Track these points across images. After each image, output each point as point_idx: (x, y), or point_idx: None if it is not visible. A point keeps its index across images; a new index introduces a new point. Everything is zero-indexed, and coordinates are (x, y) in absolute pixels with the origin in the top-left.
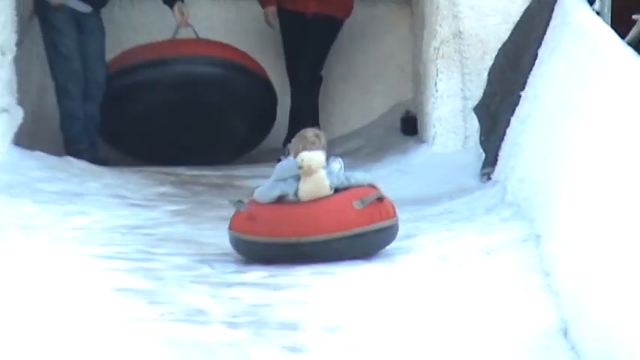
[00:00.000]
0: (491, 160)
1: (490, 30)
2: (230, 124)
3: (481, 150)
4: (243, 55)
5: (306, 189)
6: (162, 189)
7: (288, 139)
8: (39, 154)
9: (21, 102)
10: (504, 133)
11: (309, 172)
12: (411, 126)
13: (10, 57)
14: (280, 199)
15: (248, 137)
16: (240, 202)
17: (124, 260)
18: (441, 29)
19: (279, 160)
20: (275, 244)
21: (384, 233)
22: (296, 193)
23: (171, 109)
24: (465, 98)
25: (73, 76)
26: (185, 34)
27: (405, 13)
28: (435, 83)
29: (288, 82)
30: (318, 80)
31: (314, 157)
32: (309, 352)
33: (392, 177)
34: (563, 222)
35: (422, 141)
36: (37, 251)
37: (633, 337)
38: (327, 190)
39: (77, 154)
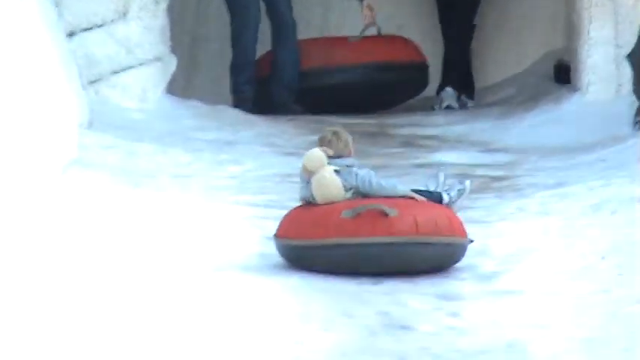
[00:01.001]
0: None
1: None
2: (390, 102)
3: (634, 98)
4: (417, 52)
5: (315, 191)
6: (316, 137)
7: (441, 88)
8: (192, 102)
9: (174, 51)
10: None
11: (307, 172)
12: (564, 74)
13: (163, 5)
14: (307, 202)
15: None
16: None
17: (277, 209)
18: None
19: (433, 109)
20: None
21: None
22: (313, 196)
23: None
24: (617, 46)
25: (247, 23)
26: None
27: None
28: (588, 31)
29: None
30: (471, 28)
31: (309, 155)
32: (463, 299)
33: (545, 125)
34: None
35: (575, 89)
36: (190, 200)
37: None
38: (336, 191)
39: (241, 102)
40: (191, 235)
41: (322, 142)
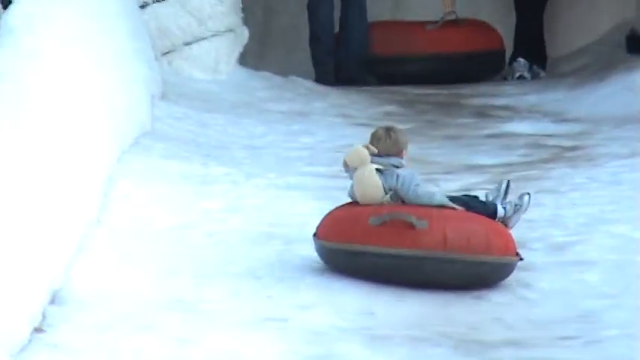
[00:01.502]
0: None
1: None
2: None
3: None
4: (496, 39)
5: (355, 189)
6: (388, 108)
7: (513, 58)
8: (265, 74)
9: (247, 22)
10: None
11: (347, 169)
12: (636, 44)
13: None
14: (352, 200)
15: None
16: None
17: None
18: None
19: (505, 79)
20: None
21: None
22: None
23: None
24: None
25: None
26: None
27: None
28: None
29: None
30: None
31: (350, 152)
32: (535, 270)
33: (617, 95)
34: None
35: None
36: (262, 171)
37: None
38: (374, 190)
39: (322, 74)
40: (264, 207)
41: (372, 138)
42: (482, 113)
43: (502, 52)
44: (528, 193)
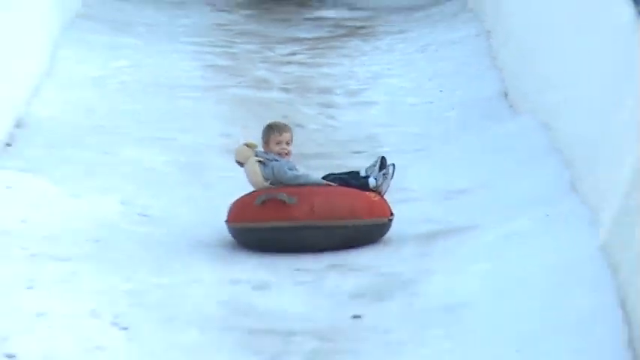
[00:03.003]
0: None
1: None
2: None
3: None
4: None
5: (247, 178)
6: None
7: None
8: None
9: None
10: None
11: (239, 164)
12: None
13: None
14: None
15: None
16: None
17: (214, 46)
18: None
19: None
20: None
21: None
22: None
23: None
24: None
25: None
26: None
27: None
28: None
29: None
30: None
31: (237, 151)
32: (338, 108)
33: None
34: (507, 19)
35: None
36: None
37: None
38: (256, 178)
39: None
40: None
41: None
42: (302, 3)
43: None
44: (393, 164)
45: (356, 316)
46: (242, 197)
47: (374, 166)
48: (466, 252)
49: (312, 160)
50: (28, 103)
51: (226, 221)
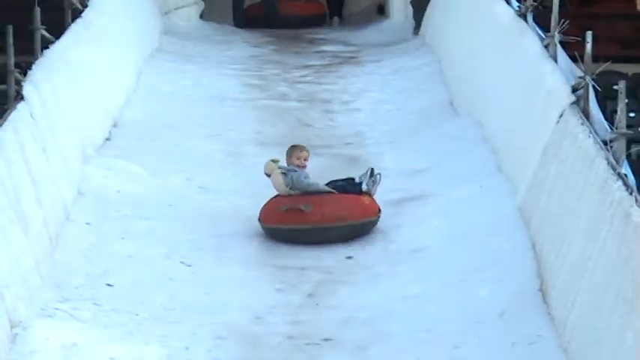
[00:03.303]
0: None
1: None
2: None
3: None
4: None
5: (273, 185)
6: (267, 39)
7: (330, 17)
8: (211, 23)
9: None
10: None
11: (267, 175)
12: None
13: None
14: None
15: None
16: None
17: (250, 71)
18: None
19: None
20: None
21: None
22: None
23: None
24: None
25: None
26: None
27: None
28: None
29: None
30: None
31: (265, 165)
32: (335, 113)
33: (373, 33)
34: (452, 51)
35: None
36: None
37: None
38: (279, 187)
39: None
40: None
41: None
42: (312, 41)
43: (325, 14)
44: (379, 173)
45: (349, 257)
46: (270, 202)
47: (365, 174)
48: (425, 212)
49: (319, 149)
50: (122, 110)
51: (259, 220)
